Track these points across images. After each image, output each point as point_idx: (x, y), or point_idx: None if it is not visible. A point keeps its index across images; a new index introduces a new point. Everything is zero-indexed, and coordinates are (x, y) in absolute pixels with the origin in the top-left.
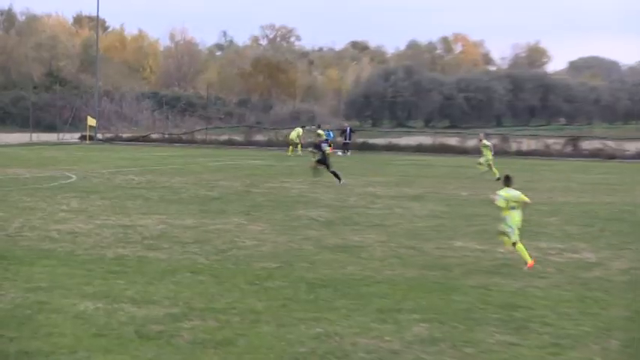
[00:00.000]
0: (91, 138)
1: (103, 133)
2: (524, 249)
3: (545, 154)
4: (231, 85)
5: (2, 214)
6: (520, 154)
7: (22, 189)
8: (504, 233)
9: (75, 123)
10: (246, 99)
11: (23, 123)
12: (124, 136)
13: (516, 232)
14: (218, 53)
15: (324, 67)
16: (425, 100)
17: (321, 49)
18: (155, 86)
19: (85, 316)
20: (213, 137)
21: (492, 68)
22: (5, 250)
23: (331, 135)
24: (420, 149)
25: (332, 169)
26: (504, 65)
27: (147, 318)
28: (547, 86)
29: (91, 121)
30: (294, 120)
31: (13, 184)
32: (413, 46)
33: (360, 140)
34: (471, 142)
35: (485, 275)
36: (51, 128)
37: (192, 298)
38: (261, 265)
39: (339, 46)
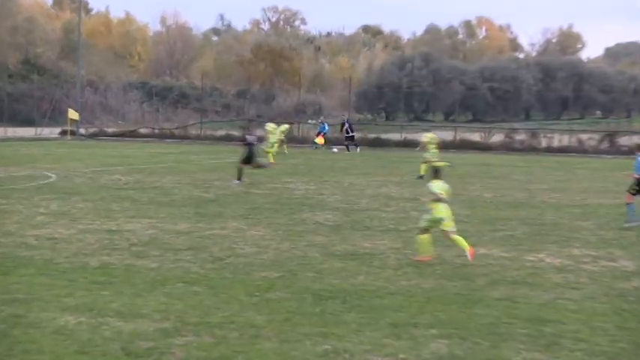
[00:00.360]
0: (73, 133)
1: (86, 128)
2: (460, 239)
3: (579, 150)
4: (228, 74)
5: None
6: (551, 150)
7: None
8: (425, 229)
9: (55, 116)
10: (246, 89)
11: None
12: (110, 130)
13: (450, 222)
14: (214, 39)
15: (332, 54)
16: (445, 91)
17: (329, 35)
18: (144, 75)
19: (66, 332)
20: (209, 132)
21: (520, 55)
22: None
23: (325, 127)
24: (438, 146)
25: (258, 164)
26: (533, 52)
27: (135, 333)
28: (581, 75)
29: (73, 115)
30: (300, 112)
31: None
32: (431, 30)
33: (373, 135)
34: (497, 138)
35: (512, 286)
36: (28, 122)
37: (186, 311)
38: (261, 274)
39: (349, 30)
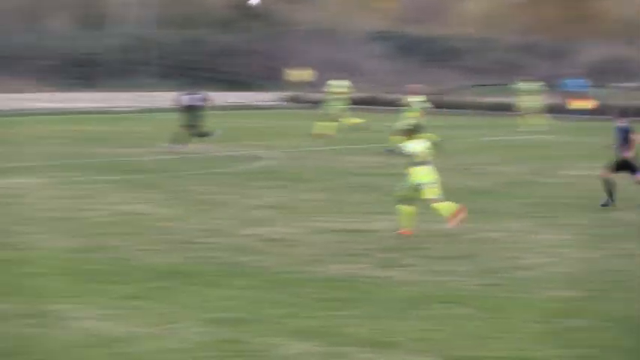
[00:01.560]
0: (298, 100)
1: (314, 92)
2: (444, 206)
3: None
4: (505, 21)
5: (175, 210)
6: None
7: (200, 174)
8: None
9: (275, 77)
10: (531, 41)
11: (198, 78)
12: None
13: (433, 188)
14: None
15: None
16: None
17: None
18: (392, 23)
19: None
20: (479, 99)
21: None
22: (182, 264)
23: (577, 85)
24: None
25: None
26: None
27: None
28: None
29: (298, 75)
30: (611, 72)
31: (189, 166)
32: None
33: None
34: None
35: None
36: (240, 85)
37: (450, 340)
38: (553, 293)
39: None
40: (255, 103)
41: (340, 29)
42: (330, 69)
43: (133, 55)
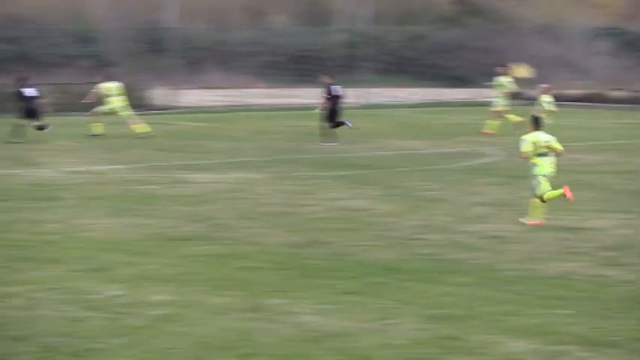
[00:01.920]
0: (518, 96)
1: (533, 89)
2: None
3: None
4: None
5: (393, 207)
6: None
7: (419, 170)
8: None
9: (495, 73)
10: None
11: (417, 73)
12: (571, 93)
13: (544, 184)
14: None
15: None
16: None
17: None
18: (615, 19)
19: None
20: None
21: None
22: (399, 260)
23: None
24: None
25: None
26: None
27: None
28: None
29: (520, 71)
30: None
31: (407, 162)
32: None
33: None
34: None
35: None
36: (458, 81)
37: None
38: None
39: None
40: (479, 99)
41: (562, 26)
42: (551, 66)
43: (353, 51)
